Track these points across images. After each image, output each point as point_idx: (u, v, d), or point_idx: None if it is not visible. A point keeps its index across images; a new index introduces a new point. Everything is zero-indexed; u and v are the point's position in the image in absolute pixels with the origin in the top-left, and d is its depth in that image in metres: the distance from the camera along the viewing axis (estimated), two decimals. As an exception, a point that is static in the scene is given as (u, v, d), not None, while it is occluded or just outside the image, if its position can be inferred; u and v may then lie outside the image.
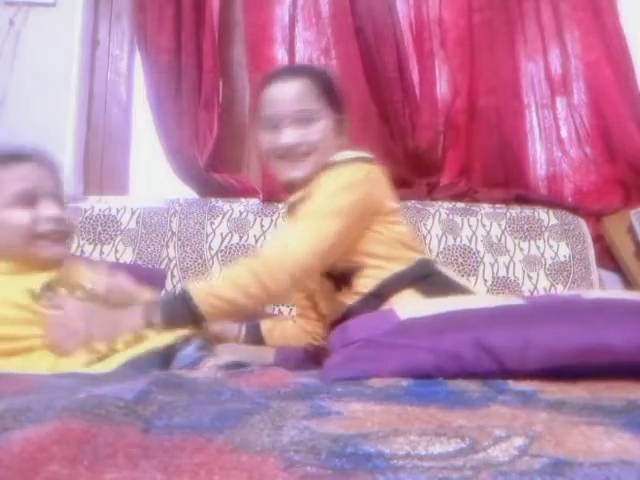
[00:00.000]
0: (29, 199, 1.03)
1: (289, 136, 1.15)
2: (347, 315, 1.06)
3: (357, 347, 0.73)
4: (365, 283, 1.10)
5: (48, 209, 1.04)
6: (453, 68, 1.93)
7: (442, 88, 1.94)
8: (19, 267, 1.04)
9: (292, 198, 1.21)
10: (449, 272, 1.20)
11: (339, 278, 1.14)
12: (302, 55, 1.95)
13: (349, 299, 1.12)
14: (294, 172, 1.17)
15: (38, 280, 1.00)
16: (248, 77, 1.94)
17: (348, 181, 1.11)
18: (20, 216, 1.02)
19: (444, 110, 1.91)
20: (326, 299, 1.21)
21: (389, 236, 1.13)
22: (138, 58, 1.98)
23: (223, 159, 1.95)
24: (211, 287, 1.03)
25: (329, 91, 1.21)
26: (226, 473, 0.31)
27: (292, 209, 1.20)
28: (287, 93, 1.17)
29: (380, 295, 1.08)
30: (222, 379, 0.57)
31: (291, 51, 1.95)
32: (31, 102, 1.89)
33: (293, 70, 1.30)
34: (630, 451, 0.34)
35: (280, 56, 1.95)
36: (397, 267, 1.11)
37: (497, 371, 0.63)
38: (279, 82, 1.19)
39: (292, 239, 1.07)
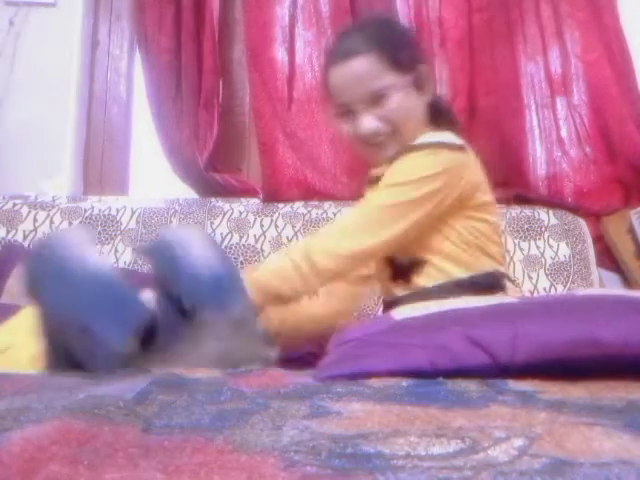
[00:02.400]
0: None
1: (367, 122, 1.04)
2: (397, 302, 1.02)
3: (350, 346, 0.72)
4: (423, 282, 1.04)
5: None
6: (453, 68, 1.93)
7: (442, 88, 1.94)
8: None
9: (374, 171, 1.13)
10: (514, 290, 1.10)
11: (397, 270, 1.08)
12: (302, 55, 1.95)
13: (401, 291, 1.07)
14: (383, 154, 1.07)
15: None
16: (248, 77, 1.94)
17: (420, 173, 1.01)
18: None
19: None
20: (380, 281, 1.16)
21: (466, 237, 1.04)
22: (138, 58, 1.98)
23: (223, 159, 1.95)
24: (256, 278, 0.97)
25: (398, 50, 1.07)
26: (226, 473, 0.31)
27: (372, 183, 1.11)
28: (351, 77, 1.05)
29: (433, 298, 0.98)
30: (222, 379, 0.57)
31: (291, 51, 1.95)
32: (31, 102, 1.89)
33: (351, 43, 1.09)
34: (630, 451, 0.34)
35: (280, 56, 1.95)
36: (461, 273, 1.03)
37: (490, 365, 0.62)
38: (340, 64, 1.06)
39: (340, 231, 1.02)
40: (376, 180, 1.08)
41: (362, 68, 1.04)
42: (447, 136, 1.07)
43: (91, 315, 0.76)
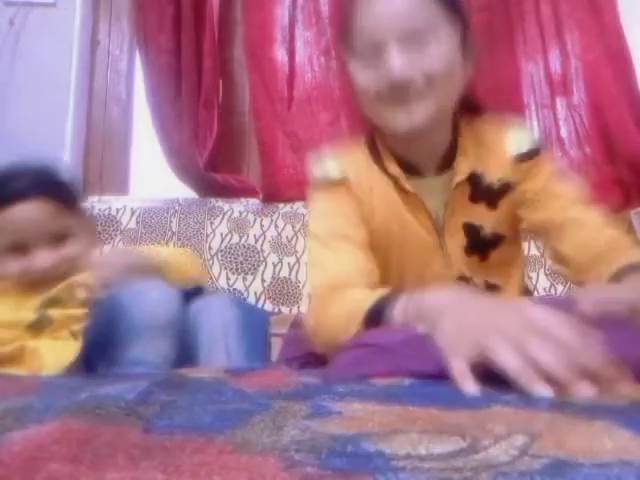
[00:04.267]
0: (20, 247, 1.01)
1: (399, 63, 0.81)
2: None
3: (369, 351, 0.65)
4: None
5: (39, 259, 1.01)
6: (453, 68, 1.93)
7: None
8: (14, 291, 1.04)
9: (459, 177, 0.94)
10: None
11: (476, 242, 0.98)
12: (302, 55, 1.95)
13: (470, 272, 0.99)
14: (410, 117, 0.84)
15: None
16: (248, 77, 1.95)
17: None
18: (10, 267, 1.02)
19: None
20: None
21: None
22: (138, 58, 1.99)
23: (223, 159, 1.95)
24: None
25: None
26: (226, 473, 0.31)
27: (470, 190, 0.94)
28: (392, 5, 0.84)
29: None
30: (223, 379, 0.57)
31: (291, 51, 1.95)
32: (31, 102, 1.89)
33: None
34: (630, 451, 0.34)
35: (280, 56, 1.95)
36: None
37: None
38: None
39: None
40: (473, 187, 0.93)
41: None
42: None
43: None
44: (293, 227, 1.72)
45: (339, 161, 0.98)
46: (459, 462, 0.32)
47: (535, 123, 1.95)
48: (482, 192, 0.96)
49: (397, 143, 0.95)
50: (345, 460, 0.33)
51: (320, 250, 0.93)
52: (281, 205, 1.78)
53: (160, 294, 0.89)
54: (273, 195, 1.81)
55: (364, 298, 0.79)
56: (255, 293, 1.64)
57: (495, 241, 0.98)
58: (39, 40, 1.93)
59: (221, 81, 1.97)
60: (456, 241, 0.96)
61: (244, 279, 1.65)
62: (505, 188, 0.97)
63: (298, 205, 1.78)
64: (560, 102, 1.95)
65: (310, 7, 1.98)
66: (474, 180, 0.95)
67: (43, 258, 1.01)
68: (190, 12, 1.91)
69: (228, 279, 1.66)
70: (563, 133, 1.93)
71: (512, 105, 1.92)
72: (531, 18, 1.97)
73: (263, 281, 1.64)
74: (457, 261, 0.97)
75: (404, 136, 0.89)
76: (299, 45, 1.96)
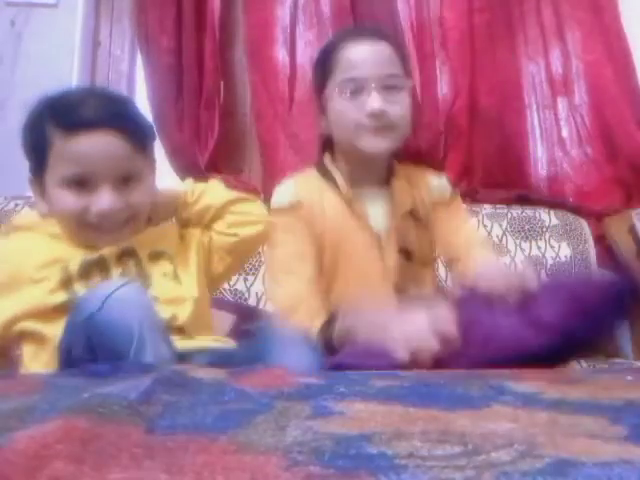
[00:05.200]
0: (82, 183, 0.90)
1: (379, 101, 1.05)
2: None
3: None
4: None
5: (101, 200, 0.89)
6: (454, 68, 1.93)
7: (443, 88, 1.94)
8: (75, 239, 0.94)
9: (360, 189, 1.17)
10: None
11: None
12: (303, 56, 1.95)
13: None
14: (382, 144, 1.09)
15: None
16: (249, 78, 1.95)
17: None
18: (68, 202, 0.90)
19: (445, 110, 1.91)
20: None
21: None
22: (139, 59, 1.98)
23: (224, 159, 1.95)
24: None
25: (405, 58, 1.18)
26: (229, 473, 0.31)
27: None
28: (376, 55, 1.09)
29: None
30: (226, 379, 0.58)
31: (292, 51, 1.95)
32: (32, 102, 1.89)
33: (374, 31, 1.21)
34: (631, 451, 0.34)
35: (281, 56, 1.95)
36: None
37: None
38: (365, 42, 1.10)
39: None
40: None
41: (388, 51, 1.11)
42: None
43: None
44: (294, 227, 1.72)
45: (294, 186, 1.17)
46: (461, 462, 0.32)
47: (536, 123, 1.95)
48: (413, 221, 1.19)
49: (348, 167, 1.17)
50: (347, 460, 0.33)
51: (273, 282, 1.16)
52: (282, 205, 1.79)
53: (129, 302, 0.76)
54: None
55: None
56: (256, 294, 1.64)
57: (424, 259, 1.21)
58: (40, 41, 1.93)
59: (222, 82, 1.97)
60: (392, 259, 1.15)
61: (245, 280, 1.65)
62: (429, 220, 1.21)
63: (299, 205, 1.78)
64: (561, 102, 1.95)
65: (311, 8, 1.98)
66: (414, 212, 1.19)
67: (107, 199, 0.89)
68: (191, 13, 1.91)
69: (229, 280, 1.66)
70: (564, 133, 1.93)
71: (513, 105, 1.92)
72: (532, 18, 1.97)
73: (264, 282, 1.64)
74: (393, 273, 1.15)
75: (373, 157, 1.13)
76: (300, 46, 1.96)
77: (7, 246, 0.99)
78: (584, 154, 1.90)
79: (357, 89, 1.07)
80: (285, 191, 1.16)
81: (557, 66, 1.97)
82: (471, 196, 1.85)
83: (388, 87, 1.08)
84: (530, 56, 1.98)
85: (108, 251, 0.94)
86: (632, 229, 1.76)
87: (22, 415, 0.41)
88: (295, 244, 1.11)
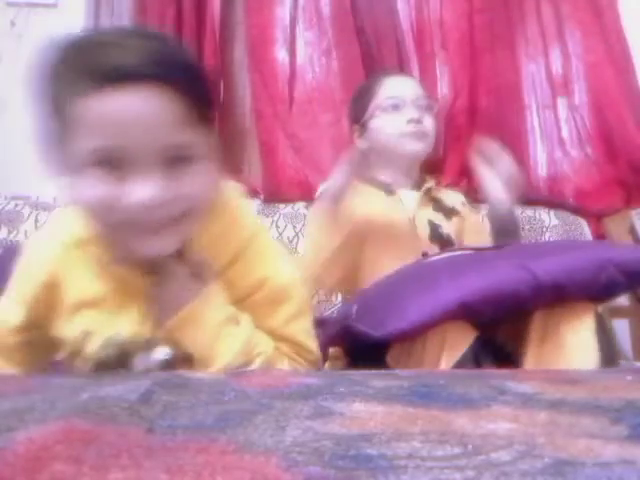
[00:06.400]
0: (112, 162, 0.61)
1: (417, 112, 1.37)
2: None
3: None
4: None
5: (138, 188, 0.61)
6: (454, 69, 1.93)
7: (443, 89, 1.94)
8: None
9: (428, 184, 1.44)
10: None
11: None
12: (303, 56, 1.96)
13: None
14: (419, 145, 1.39)
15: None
16: (249, 78, 1.95)
17: None
18: (91, 189, 0.62)
19: (445, 110, 1.91)
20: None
21: None
22: (139, 59, 1.98)
23: (224, 159, 1.95)
24: None
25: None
26: (229, 473, 0.31)
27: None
28: (411, 83, 1.45)
29: None
30: (226, 379, 0.57)
31: (292, 52, 1.96)
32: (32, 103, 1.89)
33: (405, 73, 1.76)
34: (631, 451, 0.34)
35: (281, 57, 1.95)
36: None
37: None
38: (401, 76, 1.54)
39: None
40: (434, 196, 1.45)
41: (417, 83, 1.53)
42: None
43: None
44: (294, 227, 1.72)
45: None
46: (461, 462, 0.32)
47: (536, 124, 1.95)
48: (440, 207, 1.44)
49: (387, 172, 1.43)
50: (347, 460, 0.33)
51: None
52: (282, 206, 1.78)
53: None
54: (274, 196, 1.82)
55: None
56: None
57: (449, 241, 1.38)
58: (40, 41, 1.93)
59: (222, 82, 1.98)
60: (423, 230, 1.36)
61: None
62: (455, 212, 1.45)
63: (299, 205, 1.78)
64: (561, 103, 1.95)
65: (311, 8, 1.98)
66: (436, 198, 1.45)
67: (147, 187, 0.61)
68: (191, 13, 1.91)
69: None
70: (564, 133, 1.93)
71: (513, 106, 1.92)
72: (532, 19, 1.97)
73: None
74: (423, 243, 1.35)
75: (411, 158, 1.43)
76: (300, 46, 1.97)
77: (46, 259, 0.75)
78: (584, 154, 1.90)
79: (397, 105, 1.37)
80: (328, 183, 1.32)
81: (557, 66, 1.97)
82: (471, 196, 1.84)
83: (421, 107, 1.39)
84: (530, 56, 1.98)
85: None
86: (632, 229, 1.76)
87: (22, 415, 0.41)
88: (331, 226, 1.22)
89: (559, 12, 1.96)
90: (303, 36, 1.97)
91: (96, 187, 0.62)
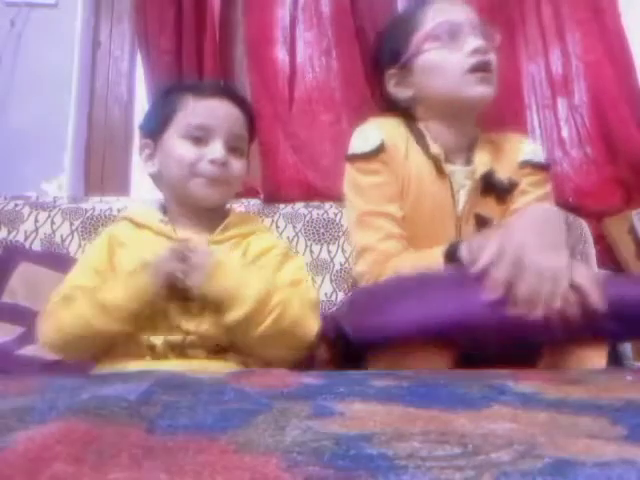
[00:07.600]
0: (202, 136, 1.03)
1: (480, 41, 1.08)
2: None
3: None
4: None
5: (216, 151, 1.02)
6: (454, 69, 1.93)
7: (443, 89, 1.94)
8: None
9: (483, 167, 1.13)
10: None
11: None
12: (303, 55, 1.95)
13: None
14: (487, 87, 1.10)
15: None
16: (249, 78, 1.95)
17: None
18: (186, 150, 1.02)
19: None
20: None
21: None
22: (139, 59, 1.98)
23: (224, 159, 1.95)
24: None
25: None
26: (229, 473, 0.31)
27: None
28: (466, 8, 1.17)
29: None
30: (225, 379, 0.58)
31: (292, 52, 1.95)
32: (32, 103, 1.89)
33: None
34: (631, 451, 0.34)
35: (281, 57, 1.95)
36: None
37: None
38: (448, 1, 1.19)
39: None
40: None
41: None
42: None
43: None
44: (294, 227, 1.72)
45: (379, 129, 1.13)
46: (461, 462, 0.32)
47: (536, 124, 1.95)
48: (493, 188, 1.14)
49: (440, 128, 1.16)
50: (347, 460, 0.33)
51: (358, 226, 1.14)
52: (282, 205, 1.78)
53: None
54: (274, 195, 1.81)
55: (430, 252, 1.01)
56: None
57: None
58: (40, 41, 1.93)
59: (222, 82, 1.97)
60: (469, 227, 1.13)
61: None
62: (513, 187, 1.16)
63: (299, 205, 1.78)
64: (561, 103, 1.95)
65: (311, 8, 1.97)
66: (486, 176, 1.13)
67: (220, 151, 1.02)
68: (191, 13, 1.91)
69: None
70: (564, 133, 1.93)
71: (513, 105, 1.92)
72: (532, 19, 1.97)
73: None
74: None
75: (475, 106, 1.15)
76: (300, 46, 1.96)
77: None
78: (584, 154, 1.90)
79: (453, 32, 1.09)
80: (369, 135, 1.13)
81: (557, 66, 1.96)
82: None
83: (483, 35, 1.11)
84: (530, 56, 1.97)
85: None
86: (632, 229, 1.76)
87: (22, 415, 0.41)
88: (381, 188, 1.11)
89: (559, 12, 1.95)
90: (303, 36, 1.97)
91: (189, 150, 1.03)
